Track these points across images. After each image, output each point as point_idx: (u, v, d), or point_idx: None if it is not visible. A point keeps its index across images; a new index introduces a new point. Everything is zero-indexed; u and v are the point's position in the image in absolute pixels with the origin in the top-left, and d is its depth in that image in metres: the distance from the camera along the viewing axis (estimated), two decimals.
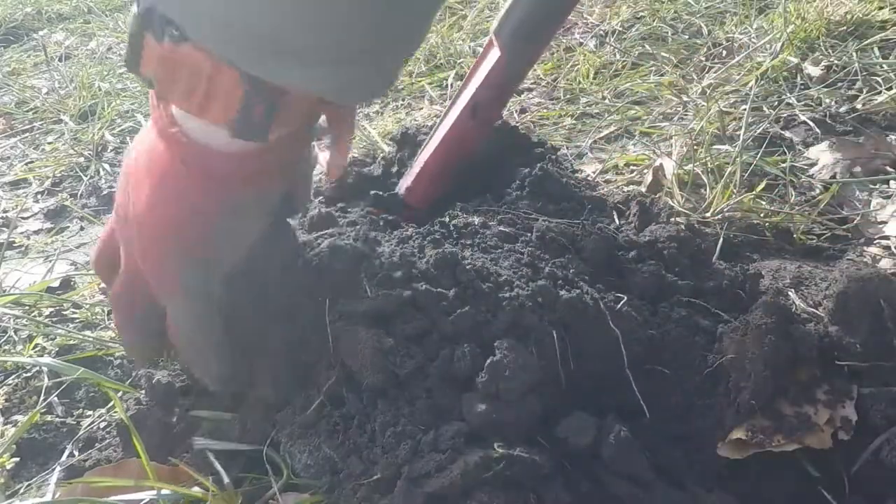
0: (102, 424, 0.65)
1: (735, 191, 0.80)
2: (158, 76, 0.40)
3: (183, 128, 0.43)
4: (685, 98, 1.06)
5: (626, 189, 0.88)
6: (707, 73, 1.12)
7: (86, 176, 1.09)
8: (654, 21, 1.34)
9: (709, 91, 1.05)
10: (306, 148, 0.50)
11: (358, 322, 0.52)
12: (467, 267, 0.54)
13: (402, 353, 0.51)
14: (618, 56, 1.25)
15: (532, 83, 1.21)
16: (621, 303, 0.55)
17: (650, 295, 0.59)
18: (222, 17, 0.36)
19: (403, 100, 1.24)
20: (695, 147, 0.88)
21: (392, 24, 0.38)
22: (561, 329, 0.52)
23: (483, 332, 0.52)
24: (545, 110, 1.12)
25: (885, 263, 0.70)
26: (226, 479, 0.53)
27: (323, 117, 0.49)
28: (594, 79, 1.19)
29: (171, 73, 0.39)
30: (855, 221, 0.77)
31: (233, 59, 0.37)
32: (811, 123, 0.94)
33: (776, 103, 0.99)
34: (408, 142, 0.78)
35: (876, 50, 1.06)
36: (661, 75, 1.14)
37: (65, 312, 0.80)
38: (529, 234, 0.62)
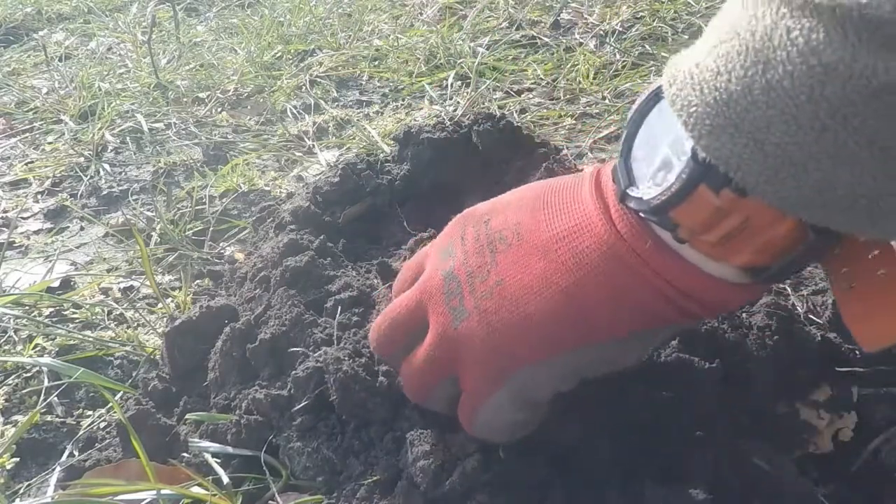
0: (102, 424, 0.65)
1: None
2: (693, 221, 0.37)
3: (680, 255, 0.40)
4: None
5: None
6: None
7: (86, 176, 1.09)
8: (654, 21, 1.34)
9: None
10: None
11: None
12: None
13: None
14: (618, 56, 1.25)
15: (532, 83, 1.21)
16: None
17: None
18: (814, 186, 0.32)
19: (403, 100, 1.24)
20: None
21: None
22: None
23: None
24: (545, 110, 1.12)
25: None
26: (225, 480, 0.53)
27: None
28: (594, 79, 1.19)
29: (712, 219, 0.36)
30: None
31: (809, 217, 0.34)
32: None
33: None
34: (410, 141, 0.78)
35: None
36: (661, 75, 1.14)
37: (65, 312, 0.80)
38: None
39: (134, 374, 0.70)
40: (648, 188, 0.39)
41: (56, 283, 0.84)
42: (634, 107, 0.41)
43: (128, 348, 0.72)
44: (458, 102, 1.15)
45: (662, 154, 0.39)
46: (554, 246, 0.43)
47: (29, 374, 0.71)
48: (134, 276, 0.85)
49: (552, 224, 0.44)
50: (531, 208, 0.46)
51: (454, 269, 0.47)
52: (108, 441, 0.62)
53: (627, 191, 0.40)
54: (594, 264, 0.41)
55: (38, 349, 0.74)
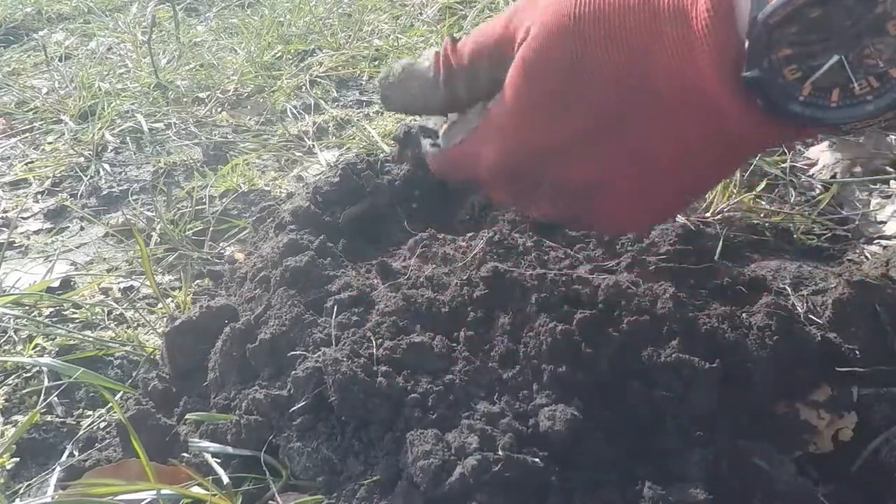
0: (102, 424, 0.65)
1: (735, 191, 0.79)
2: None
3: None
4: None
5: None
6: None
7: (86, 176, 1.09)
8: None
9: None
10: None
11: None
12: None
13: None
14: None
15: None
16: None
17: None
18: None
19: None
20: None
21: None
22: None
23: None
24: None
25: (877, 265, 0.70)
26: (225, 480, 0.53)
27: None
28: None
29: None
30: (855, 221, 0.77)
31: None
32: None
33: None
34: (410, 141, 0.78)
35: None
36: None
37: (65, 312, 0.80)
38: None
39: (134, 374, 0.70)
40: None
41: (56, 283, 0.84)
42: None
43: (128, 348, 0.72)
44: None
45: None
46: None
47: (29, 374, 0.71)
48: (134, 276, 0.85)
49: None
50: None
51: None
52: (108, 441, 0.62)
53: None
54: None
55: (38, 349, 0.74)
